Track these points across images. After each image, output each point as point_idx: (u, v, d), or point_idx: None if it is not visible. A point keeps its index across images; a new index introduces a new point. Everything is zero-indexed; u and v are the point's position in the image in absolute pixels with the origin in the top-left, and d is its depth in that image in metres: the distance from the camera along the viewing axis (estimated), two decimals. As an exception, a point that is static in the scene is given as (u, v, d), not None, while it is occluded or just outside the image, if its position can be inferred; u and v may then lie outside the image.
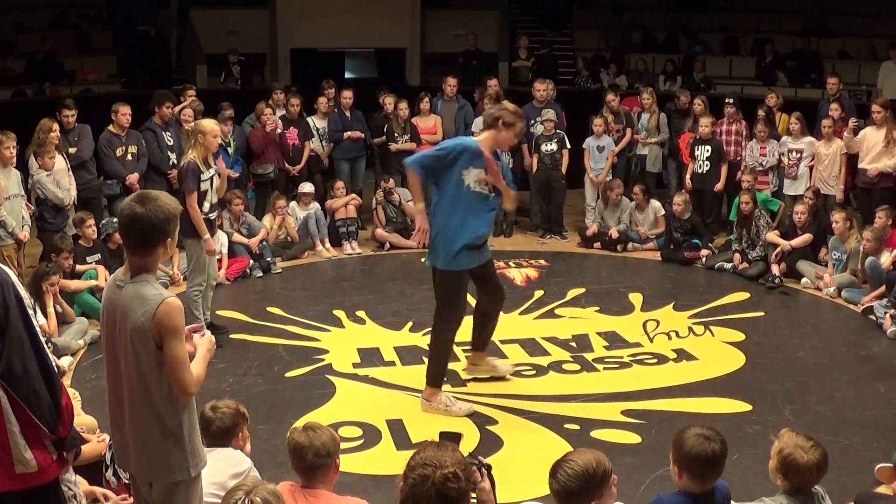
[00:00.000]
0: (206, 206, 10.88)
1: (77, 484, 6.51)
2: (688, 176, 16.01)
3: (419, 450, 4.48)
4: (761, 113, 16.30)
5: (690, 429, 5.39)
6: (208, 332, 5.40)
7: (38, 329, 4.94)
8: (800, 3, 24.76)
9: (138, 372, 4.97)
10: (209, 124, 11.01)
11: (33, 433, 4.89)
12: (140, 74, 21.83)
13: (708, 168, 15.84)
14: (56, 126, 13.05)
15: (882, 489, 7.58)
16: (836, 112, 15.40)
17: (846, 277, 13.17)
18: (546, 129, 16.09)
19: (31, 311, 4.93)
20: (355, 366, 10.58)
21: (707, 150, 15.88)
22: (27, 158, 12.91)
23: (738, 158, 16.16)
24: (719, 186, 15.94)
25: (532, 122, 16.10)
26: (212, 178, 10.93)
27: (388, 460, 8.22)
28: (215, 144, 11.08)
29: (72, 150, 13.64)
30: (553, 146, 16.04)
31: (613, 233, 15.65)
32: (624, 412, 9.31)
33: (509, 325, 11.74)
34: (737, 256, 14.29)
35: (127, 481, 6.41)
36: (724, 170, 15.92)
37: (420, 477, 4.29)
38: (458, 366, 10.41)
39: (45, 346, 5.02)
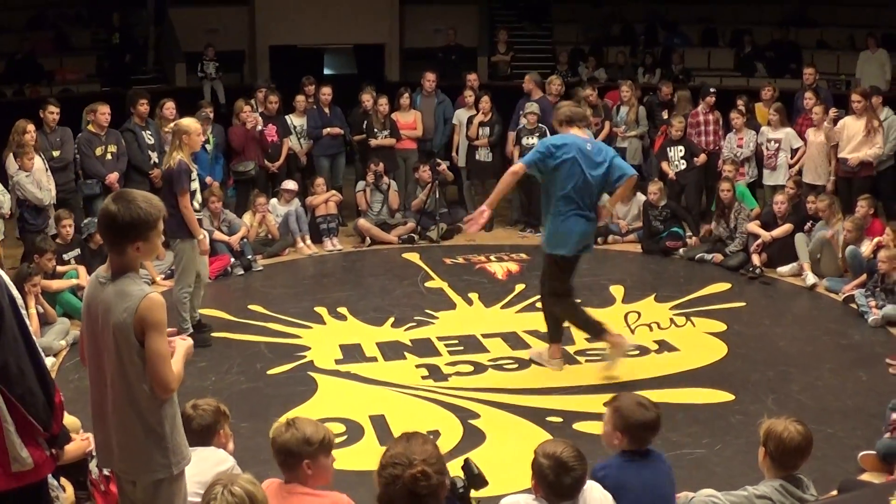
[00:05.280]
0: (196, 204, 10.88)
1: (59, 487, 6.51)
2: (670, 173, 15.96)
3: (390, 446, 4.51)
4: (739, 103, 16.31)
5: (624, 397, 6.14)
6: (188, 337, 5.39)
7: (30, 328, 4.95)
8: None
9: (120, 369, 4.96)
10: (192, 124, 10.95)
11: (28, 431, 4.90)
12: (114, 71, 21.83)
13: (685, 166, 15.86)
14: (32, 127, 13.02)
15: (865, 476, 7.65)
16: (811, 101, 15.44)
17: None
18: (529, 122, 16.09)
19: (23, 312, 4.93)
20: (337, 362, 10.57)
21: (680, 150, 15.92)
22: (5, 159, 12.90)
23: (718, 148, 16.21)
24: (700, 160, 15.99)
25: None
26: (197, 177, 10.95)
27: (371, 456, 8.12)
28: (199, 143, 11.13)
29: (55, 154, 13.60)
30: (535, 140, 16.00)
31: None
32: (606, 404, 9.30)
33: (491, 318, 11.78)
34: (717, 256, 14.33)
35: (108, 474, 6.41)
36: (702, 157, 15.95)
37: (390, 476, 4.33)
38: (441, 360, 10.46)
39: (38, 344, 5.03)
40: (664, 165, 15.96)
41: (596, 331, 10.18)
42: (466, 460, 5.20)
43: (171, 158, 10.73)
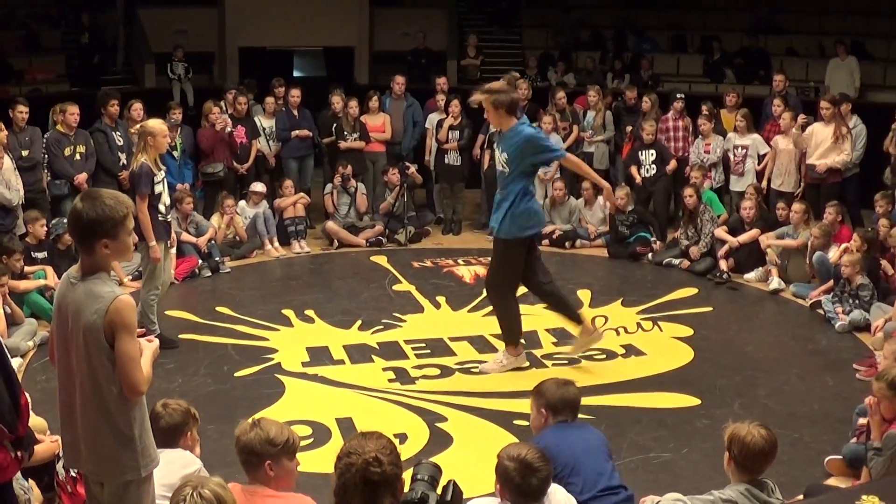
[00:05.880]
0: (162, 207, 10.77)
1: (30, 489, 6.48)
2: (638, 178, 15.98)
3: (346, 441, 4.54)
4: (704, 108, 16.34)
5: (545, 381, 6.72)
6: (156, 339, 5.37)
7: (-5, 331, 4.95)
8: (747, 0, 24.83)
9: (90, 370, 4.94)
10: (158, 125, 10.82)
11: (-7, 434, 4.88)
12: (84, 71, 21.71)
13: (654, 171, 15.90)
14: (1, 126, 12.94)
15: (832, 481, 7.68)
16: (779, 108, 15.49)
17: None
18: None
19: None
20: (305, 365, 10.55)
21: (651, 154, 15.94)
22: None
23: (687, 154, 16.24)
24: (671, 168, 15.99)
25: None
26: (164, 179, 10.84)
27: (337, 459, 8.21)
28: (165, 144, 10.99)
29: (25, 153, 13.53)
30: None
31: (556, 232, 15.71)
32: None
33: (458, 322, 11.79)
34: (694, 250, 14.29)
35: (75, 475, 6.38)
36: (672, 164, 15.96)
37: (345, 466, 4.39)
38: (408, 363, 10.46)
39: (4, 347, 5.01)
40: (633, 170, 15.98)
41: (515, 335, 10.39)
42: (450, 482, 5.19)
43: (135, 161, 10.66)
